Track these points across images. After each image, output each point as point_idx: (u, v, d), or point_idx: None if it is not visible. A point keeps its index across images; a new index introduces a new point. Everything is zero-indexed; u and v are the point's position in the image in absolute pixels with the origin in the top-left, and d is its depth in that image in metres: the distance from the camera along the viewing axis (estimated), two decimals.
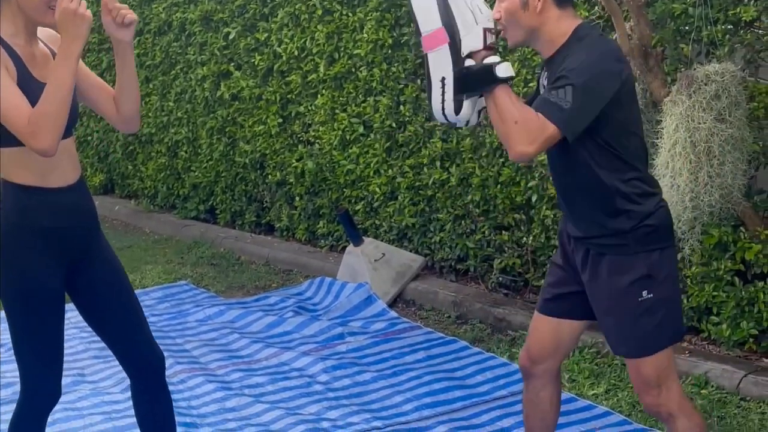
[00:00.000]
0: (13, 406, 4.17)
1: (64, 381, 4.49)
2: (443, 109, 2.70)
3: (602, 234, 2.80)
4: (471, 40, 2.69)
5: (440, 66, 2.68)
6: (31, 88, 2.68)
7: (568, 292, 2.97)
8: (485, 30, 2.72)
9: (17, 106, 2.59)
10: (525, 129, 2.61)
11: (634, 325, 2.79)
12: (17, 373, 4.58)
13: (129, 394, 4.26)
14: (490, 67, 2.65)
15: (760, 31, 3.99)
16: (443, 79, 2.67)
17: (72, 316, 5.51)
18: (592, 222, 2.82)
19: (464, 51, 2.68)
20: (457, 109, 2.70)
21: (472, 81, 2.68)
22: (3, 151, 2.73)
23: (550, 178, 3.00)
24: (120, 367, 4.58)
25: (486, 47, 2.71)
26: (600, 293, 2.84)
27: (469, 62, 2.68)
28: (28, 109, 2.59)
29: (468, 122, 2.76)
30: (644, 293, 2.76)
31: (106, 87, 2.98)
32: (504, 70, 2.66)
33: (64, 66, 2.61)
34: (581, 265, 2.88)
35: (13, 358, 4.77)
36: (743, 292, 4.13)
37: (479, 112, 2.78)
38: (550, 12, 2.75)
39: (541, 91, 2.86)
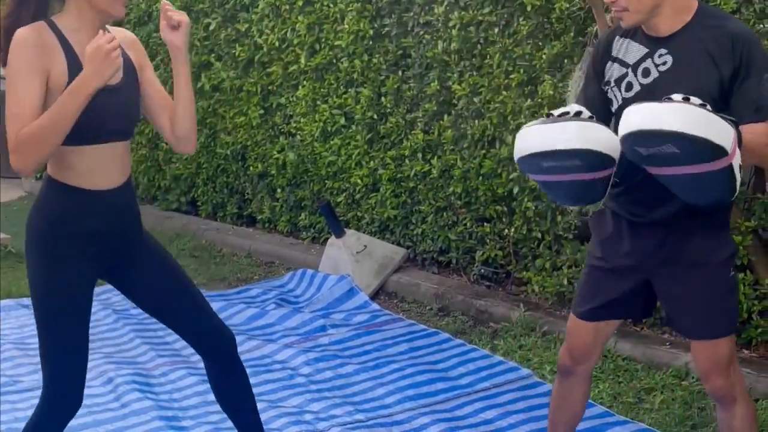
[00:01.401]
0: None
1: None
2: (735, 190, 2.53)
3: (698, 212, 2.74)
4: None
5: (739, 156, 2.48)
6: (102, 97, 2.65)
7: (615, 298, 2.93)
8: None
9: (20, 114, 2.56)
10: None
11: (724, 302, 2.80)
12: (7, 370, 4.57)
13: (110, 387, 4.30)
14: None
15: None
16: (740, 165, 2.49)
17: None
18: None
19: None
20: None
21: None
22: None
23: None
24: (101, 360, 4.60)
25: None
26: (688, 276, 2.79)
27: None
28: (29, 122, 2.55)
29: None
30: (731, 270, 2.78)
31: (170, 102, 2.90)
32: None
33: (72, 99, 2.55)
34: (655, 249, 2.81)
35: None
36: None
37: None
38: None
39: (646, 73, 2.74)
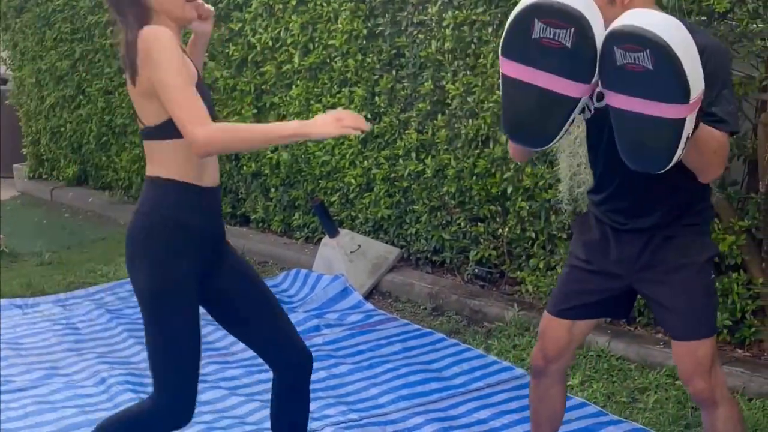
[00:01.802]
0: None
1: (37, 374, 4.49)
2: (672, 159, 2.50)
3: (680, 216, 2.77)
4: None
5: (691, 125, 2.45)
6: (202, 88, 2.72)
7: (596, 300, 2.94)
8: None
9: (196, 109, 2.59)
10: (723, 155, 2.63)
11: (705, 303, 2.80)
12: None
13: (102, 387, 4.29)
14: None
15: (734, 23, 4.01)
16: (688, 136, 2.46)
17: (46, 308, 5.52)
18: (672, 207, 2.77)
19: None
20: None
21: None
22: (165, 144, 2.70)
23: (598, 174, 2.91)
24: (93, 361, 4.59)
25: None
26: (669, 277, 2.80)
27: None
28: (205, 114, 2.60)
29: None
30: (711, 272, 2.79)
31: None
32: None
33: (279, 134, 2.71)
34: (637, 255, 2.82)
35: None
36: (717, 284, 4.14)
37: None
38: (636, 2, 2.67)
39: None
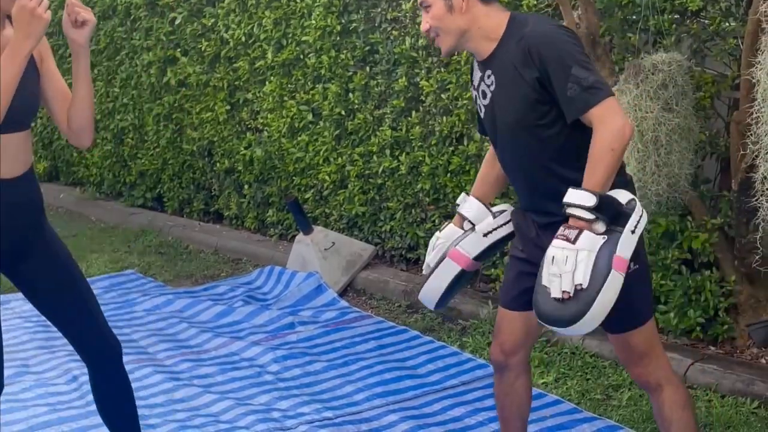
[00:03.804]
0: None
1: (8, 372, 4.44)
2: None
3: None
4: None
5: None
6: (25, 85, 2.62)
7: (533, 285, 2.93)
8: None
9: None
10: (619, 134, 2.58)
11: (625, 297, 2.74)
12: None
13: (74, 385, 4.26)
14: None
15: (707, 21, 4.03)
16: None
17: (17, 305, 5.46)
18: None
19: None
20: None
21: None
22: None
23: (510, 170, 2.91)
24: (65, 358, 4.55)
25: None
26: None
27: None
28: None
29: None
30: (632, 264, 2.73)
31: (67, 95, 2.88)
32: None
33: (10, 63, 2.53)
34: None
35: None
36: (690, 281, 4.17)
37: None
38: (477, 9, 2.72)
39: (484, 95, 2.81)
